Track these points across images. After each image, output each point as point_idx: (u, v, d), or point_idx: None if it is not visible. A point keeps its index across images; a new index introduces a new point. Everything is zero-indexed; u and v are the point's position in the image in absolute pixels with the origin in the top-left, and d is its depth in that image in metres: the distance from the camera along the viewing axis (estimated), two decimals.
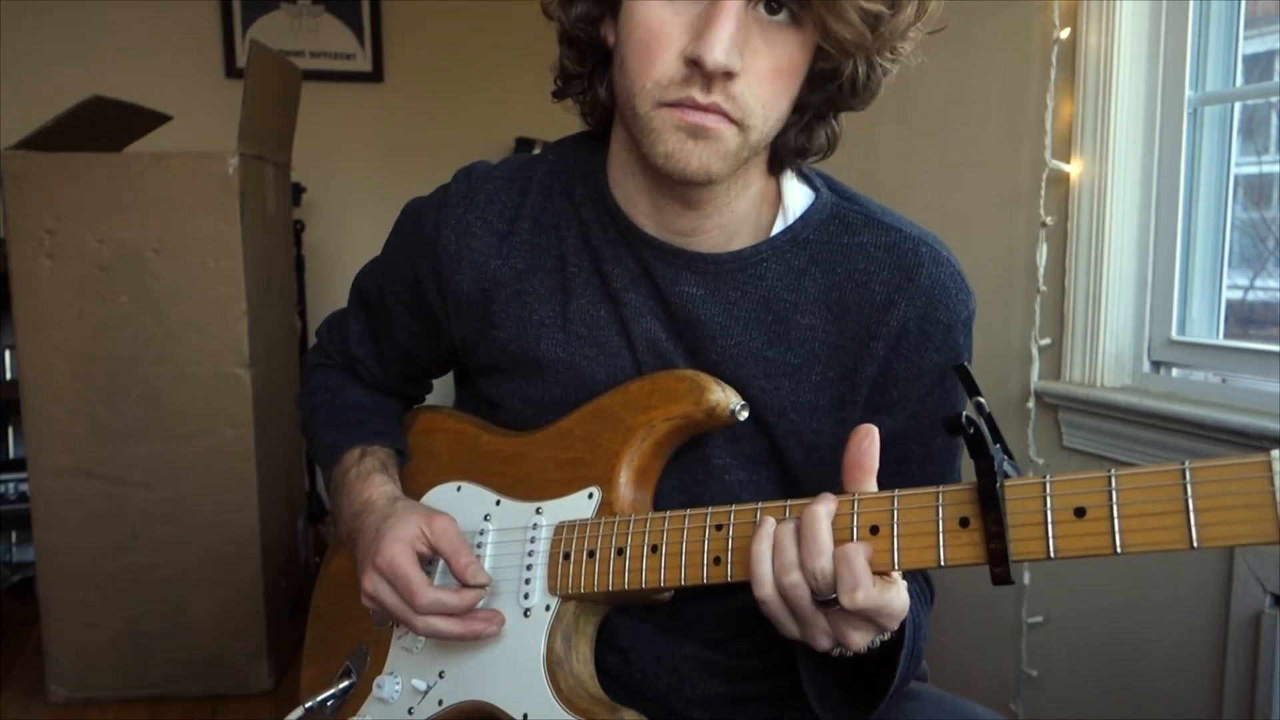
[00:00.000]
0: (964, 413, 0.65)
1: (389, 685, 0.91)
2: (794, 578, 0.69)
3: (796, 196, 0.89)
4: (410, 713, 0.90)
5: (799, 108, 0.83)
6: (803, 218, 0.87)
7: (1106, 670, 1.73)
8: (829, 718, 0.81)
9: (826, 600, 0.69)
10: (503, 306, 0.90)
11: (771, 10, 0.75)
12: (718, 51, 0.72)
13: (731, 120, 0.76)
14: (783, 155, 0.87)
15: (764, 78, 0.76)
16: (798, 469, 0.88)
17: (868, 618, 0.69)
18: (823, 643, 0.72)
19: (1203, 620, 1.54)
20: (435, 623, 0.84)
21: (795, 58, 0.77)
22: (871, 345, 0.85)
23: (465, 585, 0.85)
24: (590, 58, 0.86)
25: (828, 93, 0.83)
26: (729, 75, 0.74)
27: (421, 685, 0.90)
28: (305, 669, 1.06)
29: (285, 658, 2.36)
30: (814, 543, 0.69)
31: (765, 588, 0.71)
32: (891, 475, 0.87)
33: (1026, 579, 1.80)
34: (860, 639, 0.71)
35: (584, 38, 0.85)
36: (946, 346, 0.86)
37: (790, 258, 0.86)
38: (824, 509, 0.70)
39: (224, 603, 2.25)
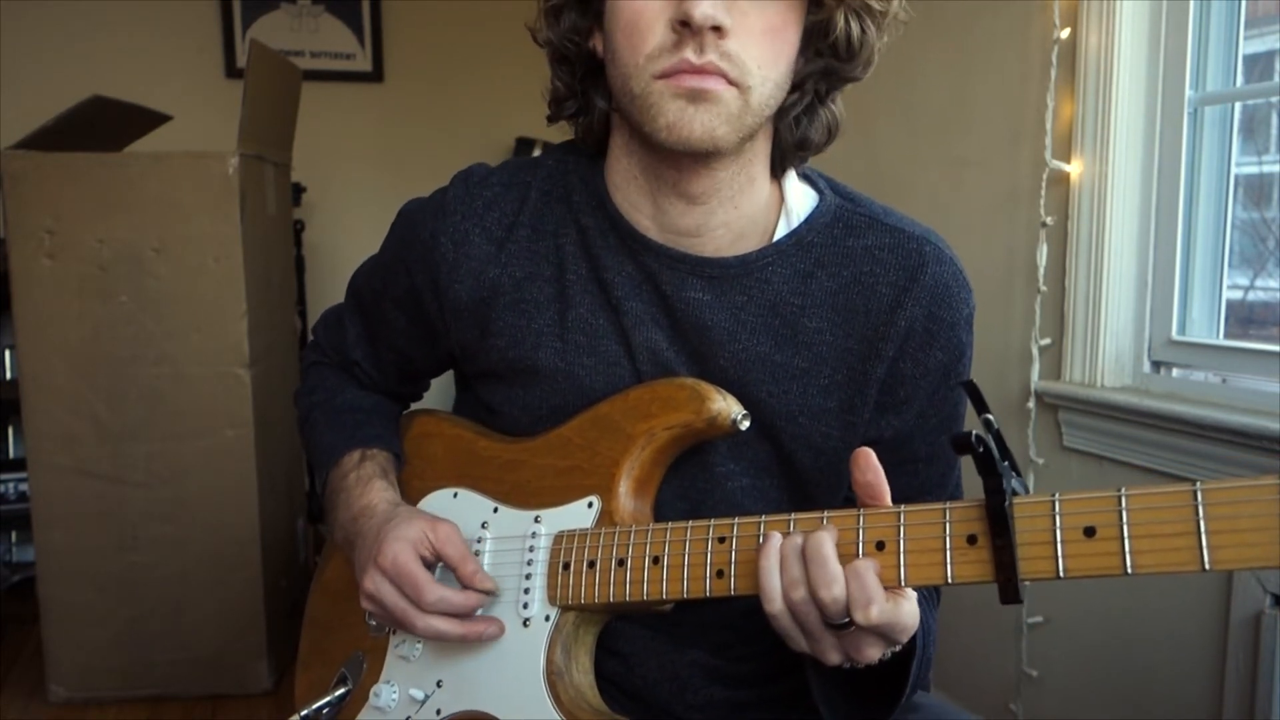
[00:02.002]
0: (973, 431, 0.64)
1: (386, 694, 0.90)
2: (801, 594, 0.69)
3: (800, 199, 0.88)
4: None
5: (798, 85, 0.83)
6: (807, 221, 0.87)
7: (1106, 670, 1.73)
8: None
9: (840, 624, 0.68)
10: (501, 314, 0.89)
11: None
12: (704, 4, 0.72)
13: (730, 81, 0.76)
14: (785, 150, 0.86)
15: (756, 36, 0.76)
16: (806, 473, 0.88)
17: (881, 633, 0.69)
18: (833, 658, 0.71)
19: (1203, 620, 1.54)
20: (437, 623, 0.83)
21: (785, 16, 0.77)
22: (880, 346, 0.84)
23: (471, 587, 0.85)
24: (580, 70, 0.87)
25: (824, 61, 0.82)
26: (720, 32, 0.74)
27: (419, 695, 0.89)
28: (300, 676, 1.05)
29: (285, 658, 2.36)
30: (823, 570, 0.68)
31: (775, 603, 0.70)
32: (898, 474, 0.86)
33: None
34: (872, 653, 0.70)
35: (574, 50, 0.85)
36: (951, 345, 0.86)
37: (796, 261, 0.86)
38: (828, 535, 0.69)
39: (224, 603, 2.25)
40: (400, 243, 0.96)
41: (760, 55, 0.76)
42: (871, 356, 0.85)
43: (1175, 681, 1.60)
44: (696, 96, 0.75)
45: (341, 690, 0.95)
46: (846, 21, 0.80)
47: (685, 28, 0.74)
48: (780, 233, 0.87)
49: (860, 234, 0.86)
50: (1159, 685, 1.63)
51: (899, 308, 0.84)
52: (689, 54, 0.74)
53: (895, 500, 0.77)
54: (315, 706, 0.95)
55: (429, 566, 0.87)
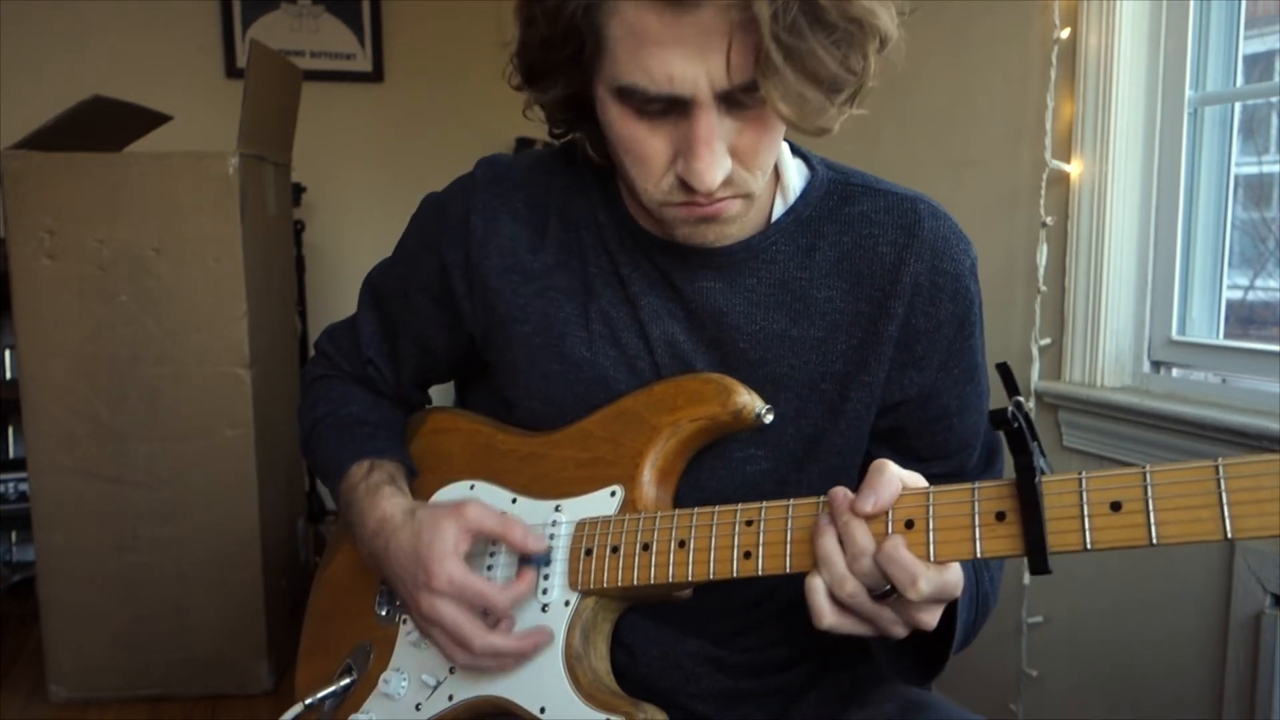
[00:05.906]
0: (1009, 408, 0.67)
1: (395, 680, 0.91)
2: (850, 587, 0.71)
3: (794, 176, 0.90)
4: (418, 709, 0.89)
5: None
6: (803, 196, 0.89)
7: (1106, 670, 1.73)
8: (903, 677, 0.84)
9: (884, 594, 0.70)
10: (529, 300, 0.91)
11: (741, 105, 0.74)
12: (708, 180, 0.74)
13: (739, 196, 0.79)
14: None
15: (753, 150, 0.77)
16: (829, 438, 0.89)
17: (933, 600, 0.71)
18: (898, 631, 0.73)
19: (1203, 620, 1.54)
20: (496, 641, 0.83)
21: (774, 117, 0.77)
22: (890, 305, 0.86)
23: (528, 553, 0.85)
24: (574, 115, 0.86)
25: None
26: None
27: (431, 681, 0.89)
28: (301, 667, 1.05)
29: (285, 658, 2.36)
30: (853, 545, 0.70)
31: (826, 617, 0.72)
32: (933, 432, 0.91)
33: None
34: (930, 618, 0.72)
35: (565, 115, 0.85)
36: (959, 295, 0.88)
37: (797, 236, 0.88)
38: (859, 521, 0.71)
39: (224, 603, 2.25)
40: (429, 224, 0.97)
41: (761, 162, 0.78)
42: (882, 316, 0.87)
43: (1175, 681, 1.60)
44: (709, 218, 0.79)
45: (346, 680, 0.96)
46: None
47: (691, 189, 0.75)
48: (778, 211, 0.89)
49: (855, 201, 0.89)
50: (1159, 685, 1.63)
51: (902, 265, 0.86)
52: (700, 199, 0.77)
53: (936, 458, 0.89)
54: (319, 696, 0.95)
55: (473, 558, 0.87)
